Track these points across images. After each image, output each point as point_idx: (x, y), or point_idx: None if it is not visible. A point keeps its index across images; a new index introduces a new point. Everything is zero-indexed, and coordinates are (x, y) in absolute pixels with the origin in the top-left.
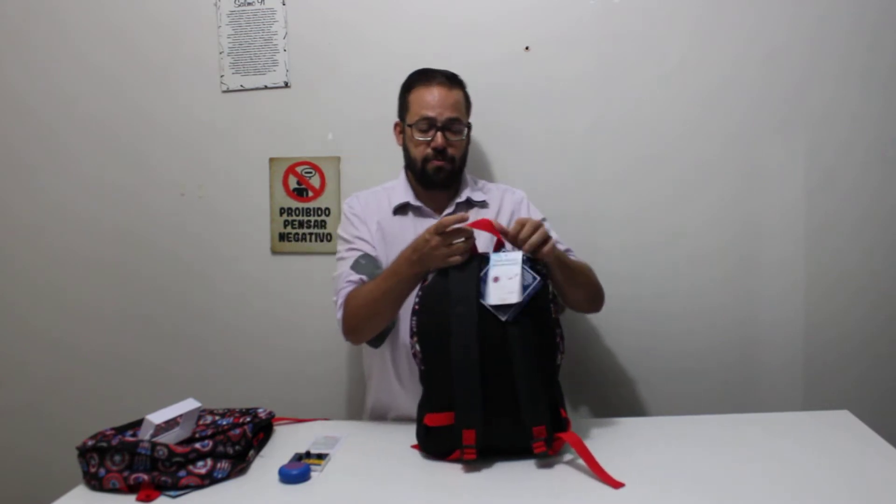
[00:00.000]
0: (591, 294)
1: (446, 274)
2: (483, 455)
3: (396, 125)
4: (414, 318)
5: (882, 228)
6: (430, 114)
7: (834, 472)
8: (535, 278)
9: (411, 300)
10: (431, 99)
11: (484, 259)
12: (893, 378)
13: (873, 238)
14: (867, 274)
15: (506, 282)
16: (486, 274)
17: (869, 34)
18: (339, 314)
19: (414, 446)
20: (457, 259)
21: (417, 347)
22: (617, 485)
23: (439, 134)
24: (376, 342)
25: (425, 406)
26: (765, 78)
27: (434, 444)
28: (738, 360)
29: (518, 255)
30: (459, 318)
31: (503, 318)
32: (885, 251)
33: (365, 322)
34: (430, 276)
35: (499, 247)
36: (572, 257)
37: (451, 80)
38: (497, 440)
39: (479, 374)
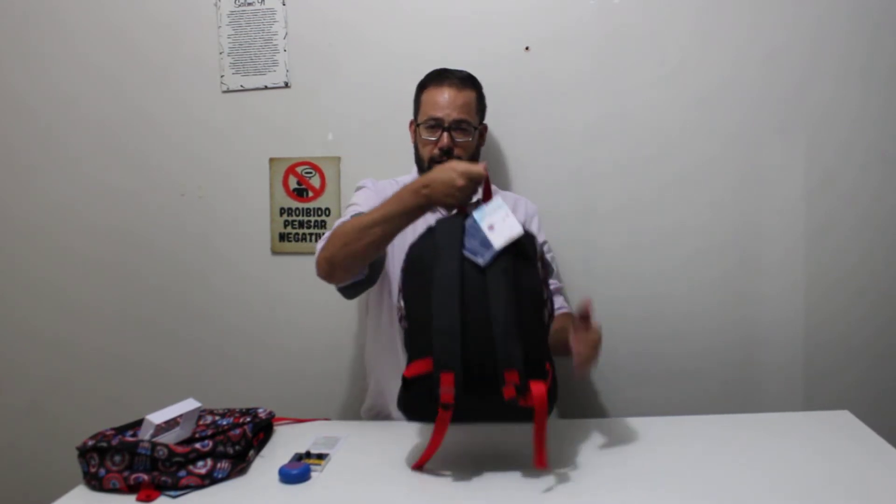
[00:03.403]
0: None
1: (433, 230)
2: (463, 419)
3: (411, 123)
4: (402, 274)
5: (882, 228)
6: (438, 114)
7: (834, 472)
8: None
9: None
10: (441, 99)
11: (468, 216)
12: (893, 378)
13: (873, 238)
14: (867, 274)
15: (501, 224)
16: (471, 226)
17: (869, 34)
18: (320, 244)
19: (415, 466)
20: (459, 200)
21: (402, 304)
22: (541, 465)
23: (445, 134)
24: (348, 292)
25: (410, 361)
26: (765, 78)
27: (413, 400)
28: (737, 361)
29: (498, 200)
30: (441, 263)
31: (482, 263)
32: (885, 251)
33: (345, 248)
34: (419, 236)
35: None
36: (560, 309)
37: (464, 82)
38: (475, 393)
39: (459, 318)
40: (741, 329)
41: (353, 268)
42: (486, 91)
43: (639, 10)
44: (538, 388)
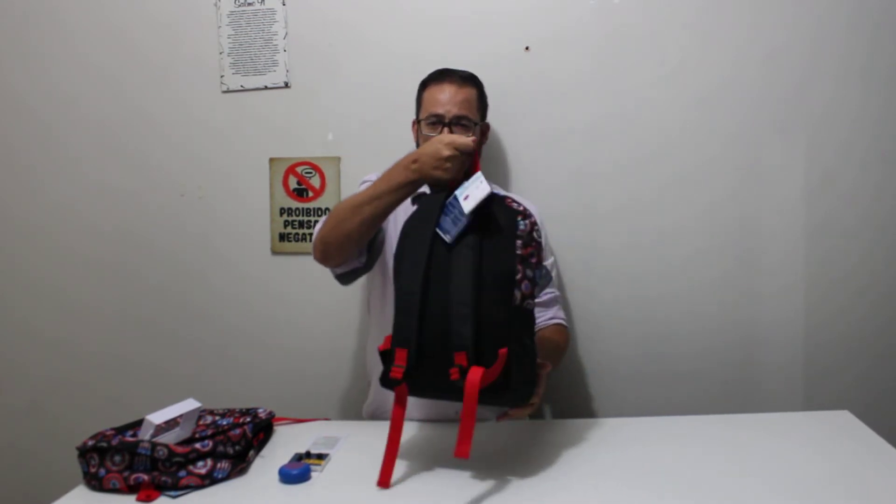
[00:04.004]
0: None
1: (419, 211)
2: (431, 396)
3: (414, 123)
4: (395, 253)
5: (882, 228)
6: (439, 111)
7: (834, 472)
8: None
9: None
10: (442, 97)
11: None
12: (893, 378)
13: (873, 238)
14: (867, 274)
15: (475, 191)
16: (450, 203)
17: (869, 34)
18: (318, 227)
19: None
20: (450, 172)
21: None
22: (462, 454)
23: (446, 130)
24: (345, 279)
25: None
26: (765, 78)
27: (385, 373)
28: (737, 361)
29: (478, 174)
30: (413, 240)
31: (448, 240)
32: (885, 251)
33: (338, 227)
34: (409, 215)
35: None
36: (552, 320)
37: (464, 80)
38: (428, 372)
39: (420, 295)
40: (741, 329)
41: (347, 248)
42: (486, 91)
43: (639, 10)
44: (473, 374)
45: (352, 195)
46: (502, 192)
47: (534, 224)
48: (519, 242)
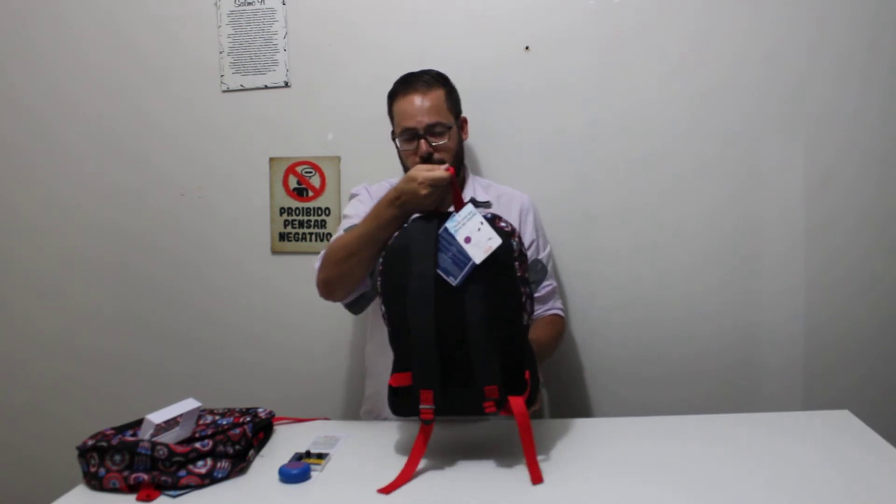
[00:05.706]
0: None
1: (408, 233)
2: (444, 415)
3: (392, 135)
4: (379, 278)
5: (882, 228)
6: (410, 124)
7: (834, 472)
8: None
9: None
10: (410, 108)
11: (444, 218)
12: (893, 378)
13: (873, 238)
14: (867, 274)
15: (477, 235)
16: (444, 238)
17: (868, 34)
18: (317, 265)
19: (381, 490)
20: (432, 206)
21: (383, 308)
22: (537, 480)
23: (422, 142)
24: (355, 307)
25: (394, 367)
26: (765, 78)
27: (400, 404)
28: (738, 361)
29: (469, 207)
30: (417, 279)
31: (454, 283)
32: (885, 251)
33: (337, 268)
34: (394, 237)
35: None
36: (548, 311)
37: (429, 83)
38: (456, 402)
39: (435, 335)
40: (741, 329)
41: (350, 285)
42: (486, 91)
43: (639, 10)
44: (517, 403)
45: (343, 235)
46: (492, 183)
47: (519, 238)
48: (517, 265)
